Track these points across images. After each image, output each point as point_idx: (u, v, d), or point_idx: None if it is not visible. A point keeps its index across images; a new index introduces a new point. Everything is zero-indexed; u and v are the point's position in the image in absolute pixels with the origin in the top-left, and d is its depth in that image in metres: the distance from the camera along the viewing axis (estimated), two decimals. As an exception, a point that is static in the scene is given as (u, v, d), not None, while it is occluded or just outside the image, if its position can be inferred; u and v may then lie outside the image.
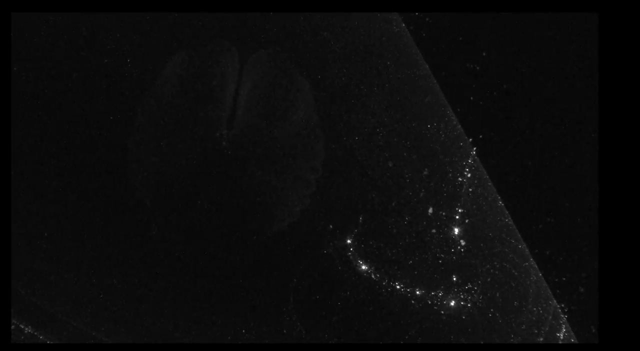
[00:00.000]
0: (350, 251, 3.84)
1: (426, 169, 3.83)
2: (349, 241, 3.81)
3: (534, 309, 4.02)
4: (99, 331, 3.73)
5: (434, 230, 3.83)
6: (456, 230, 3.97)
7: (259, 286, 3.78)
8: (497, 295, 3.99)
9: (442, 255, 3.88)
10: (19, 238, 3.64)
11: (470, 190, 4.00)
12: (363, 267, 3.85)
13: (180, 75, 3.54)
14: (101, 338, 3.72)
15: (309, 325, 3.77)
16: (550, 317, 4.05)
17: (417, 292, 3.87)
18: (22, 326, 3.68)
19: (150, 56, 3.67)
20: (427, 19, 4.04)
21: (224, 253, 3.62)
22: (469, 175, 3.99)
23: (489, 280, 3.98)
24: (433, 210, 3.84)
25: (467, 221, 3.96)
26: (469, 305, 3.92)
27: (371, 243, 3.83)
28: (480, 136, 4.04)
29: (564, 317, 4.05)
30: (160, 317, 3.75)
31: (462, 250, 3.93)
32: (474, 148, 4.03)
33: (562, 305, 4.07)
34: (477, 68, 4.05)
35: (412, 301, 3.85)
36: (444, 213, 3.88)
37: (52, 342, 3.74)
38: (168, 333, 3.73)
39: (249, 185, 3.57)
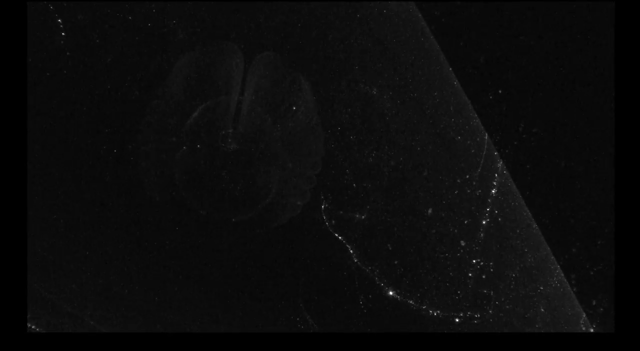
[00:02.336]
0: (351, 248, 3.90)
1: (426, 170, 3.83)
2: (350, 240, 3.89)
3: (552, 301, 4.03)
4: (110, 325, 3.87)
5: (434, 231, 3.85)
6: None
7: (261, 278, 3.87)
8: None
9: (443, 255, 3.91)
10: (33, 233, 3.76)
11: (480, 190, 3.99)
12: (365, 267, 3.90)
13: (187, 76, 3.65)
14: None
15: (314, 316, 3.86)
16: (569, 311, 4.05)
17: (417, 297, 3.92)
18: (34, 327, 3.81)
19: (158, 56, 3.76)
20: (443, 9, 3.98)
21: (229, 246, 3.73)
22: (479, 171, 3.97)
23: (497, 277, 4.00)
24: (432, 210, 3.86)
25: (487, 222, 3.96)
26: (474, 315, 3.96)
27: (372, 241, 3.87)
28: (496, 128, 4.01)
29: (581, 307, 4.05)
30: (169, 310, 3.88)
31: (462, 250, 3.94)
32: (486, 146, 3.99)
33: (579, 293, 4.07)
34: (493, 58, 3.99)
35: (410, 302, 3.90)
36: (443, 214, 3.89)
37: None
38: (176, 325, 3.86)
39: (253, 181, 3.68)
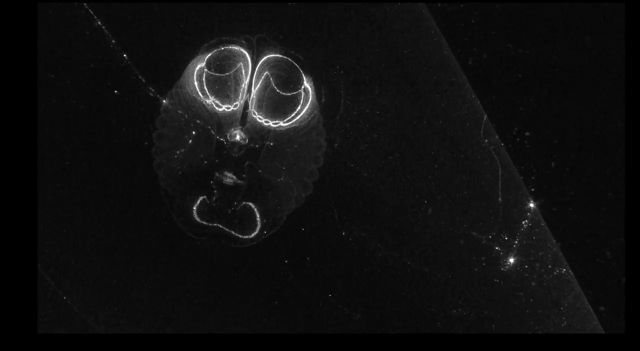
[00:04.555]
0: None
1: (431, 173, 3.90)
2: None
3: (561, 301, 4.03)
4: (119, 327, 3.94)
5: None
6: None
7: (267, 268, 4.05)
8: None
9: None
10: (43, 235, 3.83)
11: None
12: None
13: (198, 78, 3.84)
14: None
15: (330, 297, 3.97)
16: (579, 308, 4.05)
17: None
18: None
19: (172, 56, 3.94)
20: (454, 10, 3.98)
21: (237, 236, 3.93)
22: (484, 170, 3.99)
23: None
24: (432, 210, 3.93)
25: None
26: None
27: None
28: (510, 129, 4.01)
29: (591, 307, 4.04)
30: (180, 305, 4.00)
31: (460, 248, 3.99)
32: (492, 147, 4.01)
33: (590, 294, 4.06)
34: (504, 59, 3.98)
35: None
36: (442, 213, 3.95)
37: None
38: (186, 326, 3.93)
39: (260, 175, 3.90)
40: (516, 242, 3.99)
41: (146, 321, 4.01)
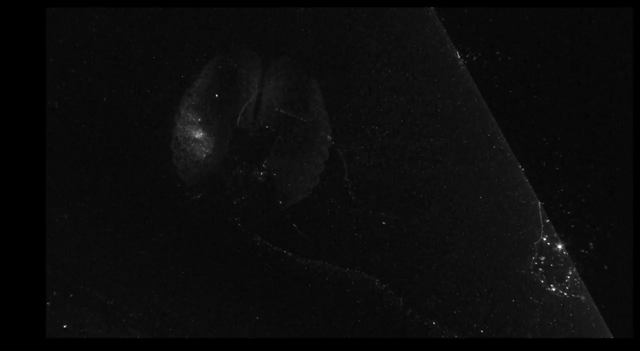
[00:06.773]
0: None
1: (443, 181, 3.94)
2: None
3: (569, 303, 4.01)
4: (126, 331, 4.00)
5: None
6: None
7: (274, 258, 4.17)
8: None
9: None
10: (50, 237, 3.89)
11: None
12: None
13: (214, 78, 4.12)
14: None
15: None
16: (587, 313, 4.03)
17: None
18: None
19: (188, 59, 4.14)
20: (463, 14, 3.99)
21: (248, 224, 4.18)
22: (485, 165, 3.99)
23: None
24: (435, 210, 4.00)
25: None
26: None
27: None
28: (514, 130, 4.01)
29: (599, 312, 4.02)
30: (186, 312, 4.13)
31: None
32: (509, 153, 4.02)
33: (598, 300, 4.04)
34: (512, 62, 3.98)
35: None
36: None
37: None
38: (195, 329, 3.99)
39: (270, 167, 4.15)
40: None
41: (156, 326, 4.04)
